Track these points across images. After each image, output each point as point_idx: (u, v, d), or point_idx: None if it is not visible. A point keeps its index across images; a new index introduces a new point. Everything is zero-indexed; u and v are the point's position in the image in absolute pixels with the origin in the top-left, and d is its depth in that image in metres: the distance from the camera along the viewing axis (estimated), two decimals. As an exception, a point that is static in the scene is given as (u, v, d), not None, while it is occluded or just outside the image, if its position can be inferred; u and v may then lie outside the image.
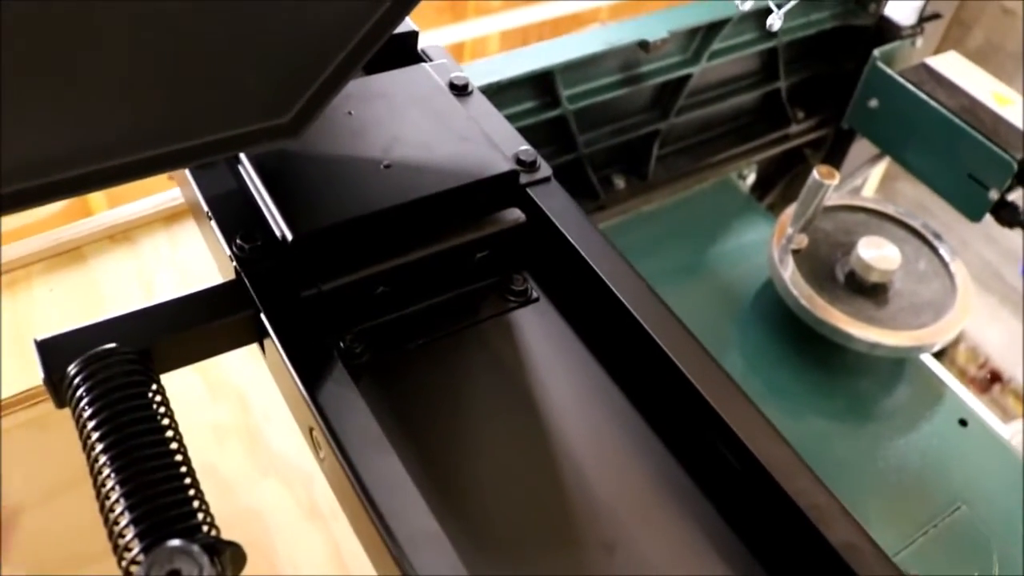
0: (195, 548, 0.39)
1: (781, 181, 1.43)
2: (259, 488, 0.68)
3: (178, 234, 0.86)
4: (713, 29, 1.10)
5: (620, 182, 1.15)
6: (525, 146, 0.65)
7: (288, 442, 0.70)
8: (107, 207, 0.87)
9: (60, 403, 0.51)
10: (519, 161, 0.64)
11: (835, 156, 1.41)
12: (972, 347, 2.48)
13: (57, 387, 0.50)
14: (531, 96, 1.00)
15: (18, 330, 0.76)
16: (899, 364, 1.11)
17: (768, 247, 1.08)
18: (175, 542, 0.39)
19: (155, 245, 0.84)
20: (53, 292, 0.79)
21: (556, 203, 0.63)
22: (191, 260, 0.83)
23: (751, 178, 1.34)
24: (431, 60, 0.74)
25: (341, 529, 0.65)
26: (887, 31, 1.26)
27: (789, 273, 1.06)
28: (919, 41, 1.27)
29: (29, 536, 0.69)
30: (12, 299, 0.78)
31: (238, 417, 0.72)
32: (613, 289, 0.58)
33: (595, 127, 1.09)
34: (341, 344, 0.57)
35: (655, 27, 1.03)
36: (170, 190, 0.87)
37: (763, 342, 1.10)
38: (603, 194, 1.13)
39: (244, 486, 0.68)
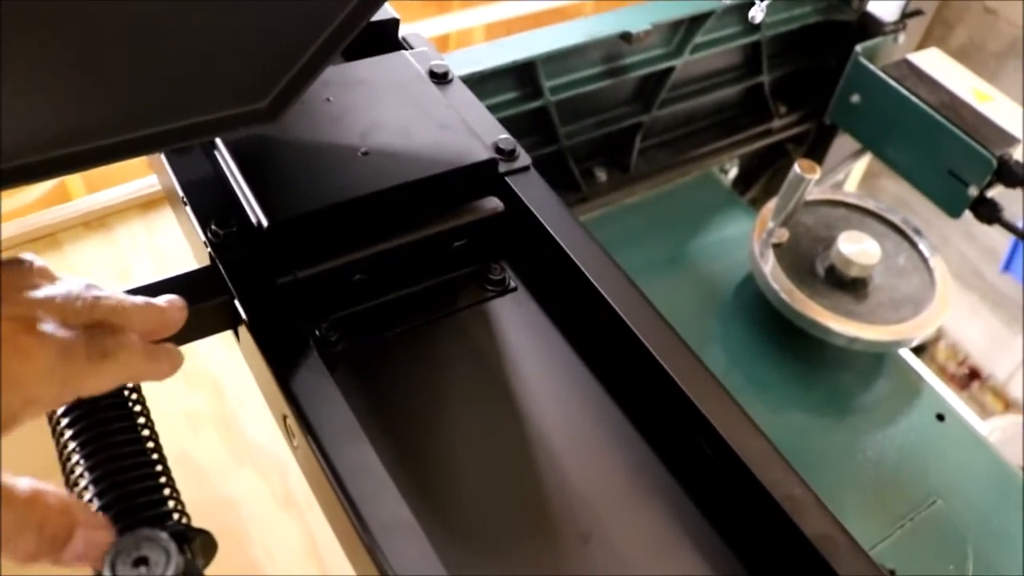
0: (163, 535, 0.38)
1: (763, 175, 1.43)
2: (234, 477, 0.67)
3: (155, 221, 0.85)
4: (696, 22, 1.10)
5: (602, 175, 1.15)
6: (504, 135, 0.65)
7: (263, 430, 0.70)
8: (86, 193, 0.86)
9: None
10: (498, 150, 0.63)
11: (817, 151, 1.41)
12: (952, 344, 2.50)
13: (27, 373, 0.49)
14: (513, 87, 1.00)
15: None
16: (878, 359, 1.11)
17: (749, 241, 1.08)
18: (143, 530, 0.39)
19: (131, 232, 0.83)
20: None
21: (535, 192, 0.63)
22: (168, 247, 0.83)
23: (733, 172, 1.34)
24: (412, 48, 0.74)
25: (316, 519, 0.65)
26: (870, 27, 1.26)
27: (770, 267, 1.06)
28: (901, 37, 1.27)
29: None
30: (-15, 284, 0.77)
31: (213, 405, 0.71)
32: (591, 279, 0.58)
33: (577, 119, 1.09)
34: (316, 332, 0.56)
35: (638, 19, 1.03)
36: (146, 177, 0.86)
37: (744, 336, 1.11)
38: (585, 186, 1.13)
39: (219, 474, 0.67)
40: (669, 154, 1.22)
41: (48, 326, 0.39)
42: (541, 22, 2.88)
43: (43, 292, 0.41)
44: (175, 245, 0.82)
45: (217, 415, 0.71)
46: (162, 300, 0.47)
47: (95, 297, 0.43)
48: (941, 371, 2.48)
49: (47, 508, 0.38)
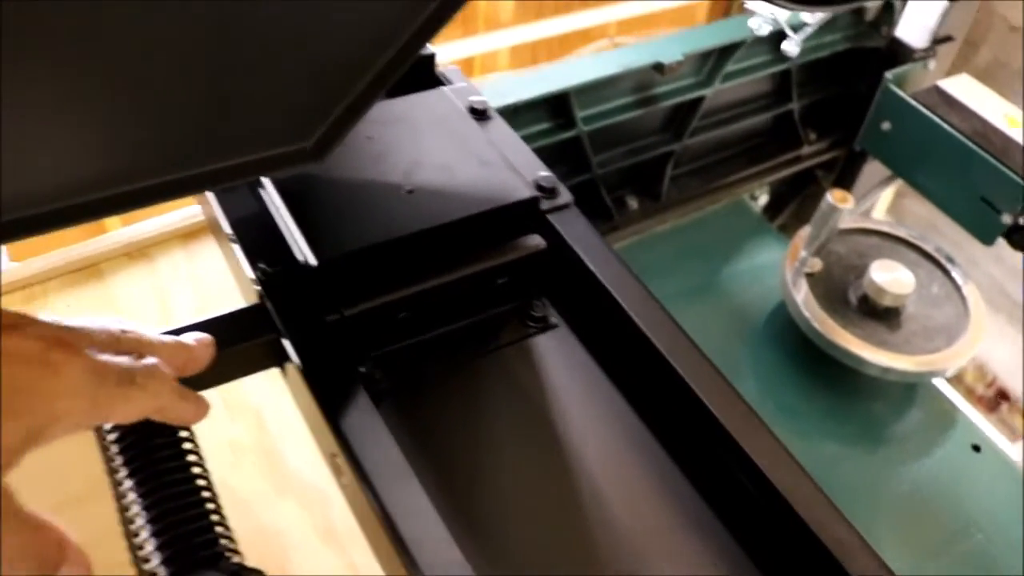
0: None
1: (792, 202, 1.43)
2: (276, 508, 0.68)
3: (195, 251, 0.86)
4: (727, 51, 1.10)
5: (633, 203, 1.15)
6: (545, 172, 0.66)
7: (304, 461, 0.71)
8: (121, 225, 0.87)
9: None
10: (539, 187, 0.64)
11: (847, 178, 1.41)
12: (980, 365, 2.48)
13: (82, 410, 0.50)
14: (546, 117, 1.00)
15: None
16: (911, 388, 1.11)
17: (781, 270, 1.08)
18: (204, 573, 0.39)
19: (172, 262, 0.85)
20: (71, 308, 0.80)
21: (576, 230, 0.63)
22: (208, 277, 0.84)
23: (763, 199, 1.34)
24: (449, 83, 0.74)
25: (358, 551, 0.65)
26: (899, 53, 1.26)
27: (802, 296, 1.06)
28: (932, 63, 1.27)
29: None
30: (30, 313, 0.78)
31: (255, 435, 0.72)
32: (633, 317, 0.59)
33: (609, 148, 1.09)
34: (362, 369, 0.57)
35: (670, 49, 1.04)
36: (187, 207, 0.87)
37: (775, 364, 1.10)
38: (616, 215, 1.13)
39: (261, 505, 0.68)
40: (700, 182, 1.22)
41: (79, 347, 0.40)
42: (566, 44, 2.89)
43: (75, 321, 0.42)
44: (215, 275, 0.83)
45: (259, 446, 0.72)
46: (190, 337, 0.48)
47: (122, 330, 0.44)
48: (969, 393, 2.46)
49: (48, 539, 0.39)
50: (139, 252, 0.85)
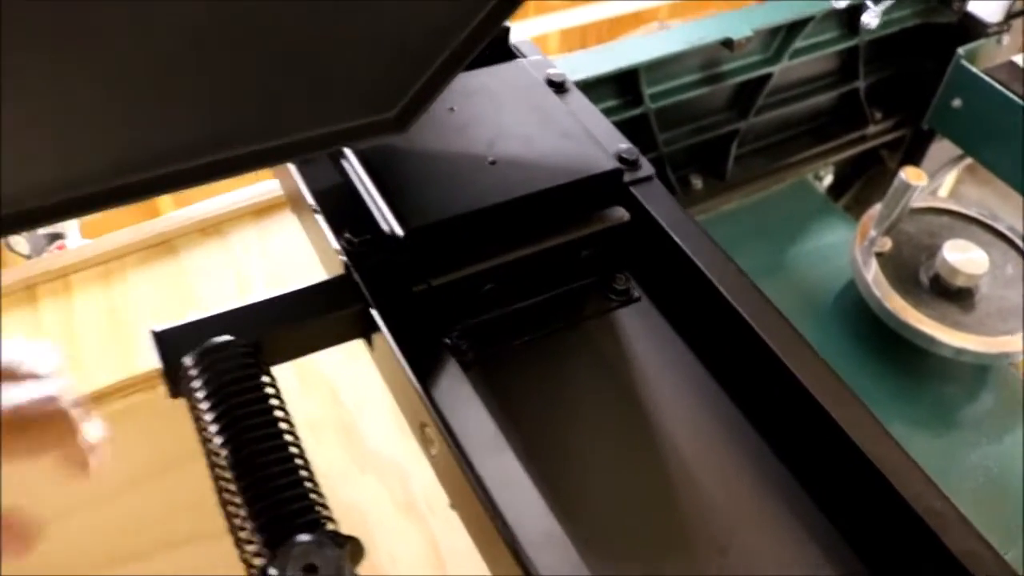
0: (328, 542, 0.39)
1: (856, 182, 1.41)
2: (356, 483, 0.68)
3: (267, 227, 0.86)
4: (796, 27, 1.08)
5: (698, 182, 1.14)
6: (626, 144, 0.65)
7: (382, 436, 0.71)
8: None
9: (175, 393, 0.52)
10: (621, 159, 0.63)
11: (912, 157, 1.38)
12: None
13: (173, 378, 0.51)
14: (614, 94, 0.99)
15: (115, 319, 0.77)
16: (983, 371, 1.08)
17: (850, 249, 1.06)
18: (306, 536, 0.39)
19: (245, 238, 0.85)
20: (147, 283, 0.80)
21: (659, 202, 0.62)
22: (280, 253, 0.84)
23: (828, 179, 1.32)
24: (524, 56, 0.74)
25: (438, 524, 0.65)
26: (971, 28, 1.23)
27: (872, 275, 1.04)
28: (1005, 39, 1.24)
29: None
30: (108, 289, 0.79)
31: (330, 410, 0.72)
32: (721, 290, 0.58)
33: (675, 126, 1.08)
34: (447, 340, 0.57)
35: (739, 25, 1.02)
36: (259, 183, 0.87)
37: (843, 345, 1.09)
38: (681, 193, 1.12)
39: (340, 480, 0.68)
40: (764, 161, 1.21)
41: None
42: (616, 28, 2.87)
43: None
44: (287, 250, 0.84)
45: (336, 421, 0.72)
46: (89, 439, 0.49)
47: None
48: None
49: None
50: (213, 228, 0.85)
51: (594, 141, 0.61)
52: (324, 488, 0.68)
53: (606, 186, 0.60)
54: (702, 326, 0.60)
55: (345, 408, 0.73)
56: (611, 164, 0.60)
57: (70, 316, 0.78)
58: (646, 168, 0.64)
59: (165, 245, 0.83)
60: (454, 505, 0.51)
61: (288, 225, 0.85)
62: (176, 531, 0.74)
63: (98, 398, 0.73)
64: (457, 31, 0.48)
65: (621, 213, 0.61)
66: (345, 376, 0.75)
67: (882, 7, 0.77)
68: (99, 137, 0.42)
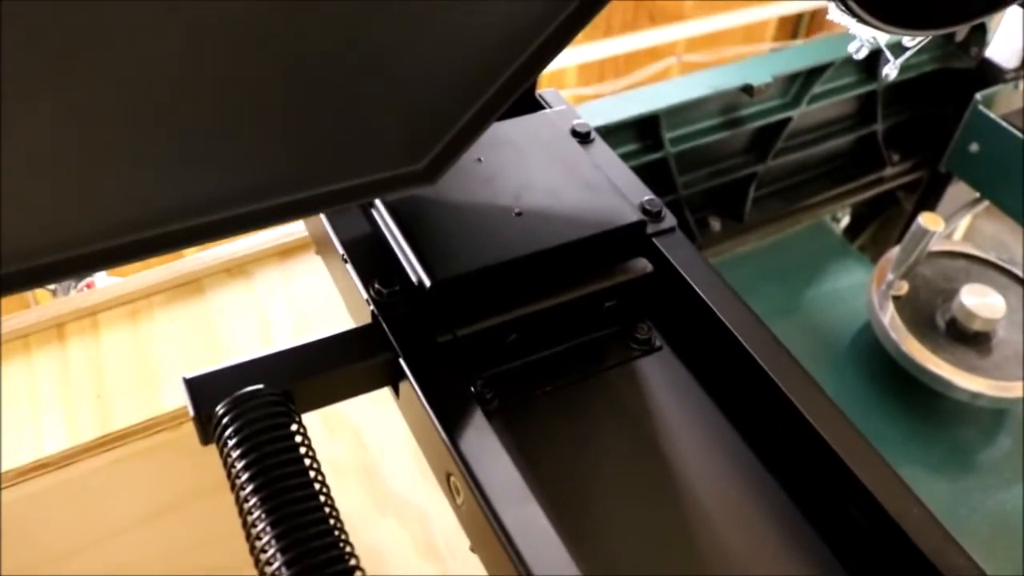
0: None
1: (873, 223, 1.42)
2: (377, 525, 0.69)
3: (291, 268, 0.88)
4: (815, 73, 1.10)
5: (716, 224, 1.15)
6: (649, 195, 0.66)
7: (404, 480, 0.71)
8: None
9: (206, 440, 0.52)
10: (645, 211, 0.64)
11: (929, 199, 1.39)
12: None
13: (204, 424, 0.52)
14: (634, 138, 1.01)
15: (142, 358, 0.78)
16: (999, 414, 1.09)
17: (867, 292, 1.07)
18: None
19: (269, 279, 0.86)
20: (173, 322, 0.82)
21: (682, 253, 0.63)
22: (303, 294, 0.85)
23: (845, 220, 1.33)
24: (549, 105, 0.75)
25: (458, 568, 0.66)
26: (989, 74, 1.25)
27: (888, 318, 1.04)
28: (1022, 84, 1.25)
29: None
30: (135, 328, 0.80)
31: (355, 454, 0.73)
32: (741, 340, 0.58)
33: (694, 169, 1.10)
34: (472, 389, 0.58)
35: (759, 71, 1.04)
36: (284, 226, 0.89)
37: (859, 387, 1.09)
38: (699, 236, 1.13)
39: (362, 523, 0.69)
40: (782, 203, 1.22)
41: None
42: (632, 62, 2.89)
43: None
44: (310, 292, 0.85)
45: (359, 464, 0.73)
46: None
47: None
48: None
49: None
50: (238, 268, 0.86)
51: (618, 193, 0.62)
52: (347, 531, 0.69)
53: (630, 238, 0.61)
54: (722, 376, 0.61)
55: (368, 450, 0.74)
56: (635, 216, 0.61)
57: (97, 353, 0.79)
58: (669, 220, 0.65)
59: (192, 285, 0.85)
60: (474, 548, 0.52)
61: (312, 266, 0.87)
62: (202, 564, 0.74)
63: (124, 436, 0.74)
64: (487, 85, 0.49)
65: (644, 264, 0.62)
66: (368, 419, 0.76)
67: (901, 59, 0.77)
68: (128, 188, 0.43)
